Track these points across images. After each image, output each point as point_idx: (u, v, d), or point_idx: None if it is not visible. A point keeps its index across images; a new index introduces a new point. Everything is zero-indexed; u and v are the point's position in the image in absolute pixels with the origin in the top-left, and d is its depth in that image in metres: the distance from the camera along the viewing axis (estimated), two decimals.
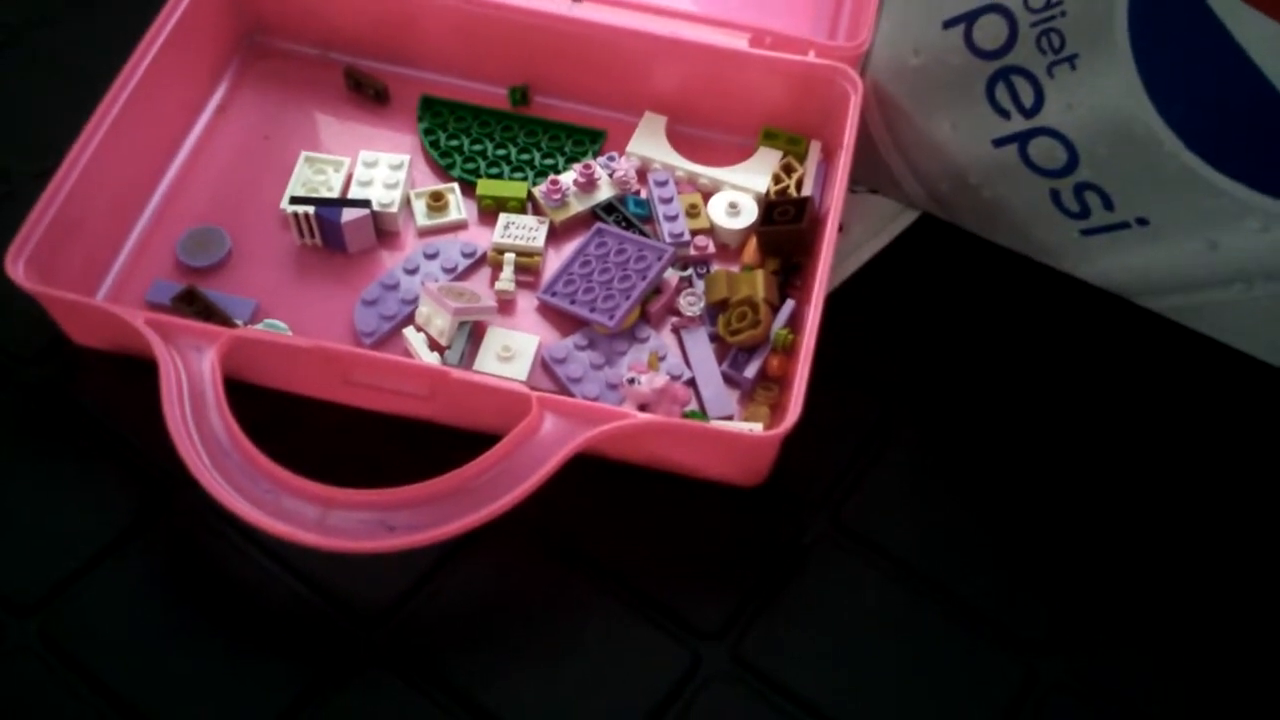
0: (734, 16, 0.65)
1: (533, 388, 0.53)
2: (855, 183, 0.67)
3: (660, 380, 0.55)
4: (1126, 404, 0.60)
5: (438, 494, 0.49)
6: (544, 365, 0.58)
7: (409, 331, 0.57)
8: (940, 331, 0.62)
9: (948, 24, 0.57)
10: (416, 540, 0.48)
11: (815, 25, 0.70)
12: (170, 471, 0.51)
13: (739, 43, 0.64)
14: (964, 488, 0.57)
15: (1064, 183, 0.59)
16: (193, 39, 0.64)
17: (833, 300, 0.58)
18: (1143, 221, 0.59)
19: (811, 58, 0.63)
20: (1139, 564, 0.54)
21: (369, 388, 0.55)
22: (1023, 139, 0.59)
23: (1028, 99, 0.57)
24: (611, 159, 0.65)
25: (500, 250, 0.61)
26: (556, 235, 0.63)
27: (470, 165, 0.65)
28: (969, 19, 0.56)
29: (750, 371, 0.57)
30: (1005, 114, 0.59)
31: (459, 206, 0.63)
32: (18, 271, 0.53)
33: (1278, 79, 0.50)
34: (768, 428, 0.54)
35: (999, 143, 0.60)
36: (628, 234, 0.61)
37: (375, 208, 0.61)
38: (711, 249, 0.62)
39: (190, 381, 0.51)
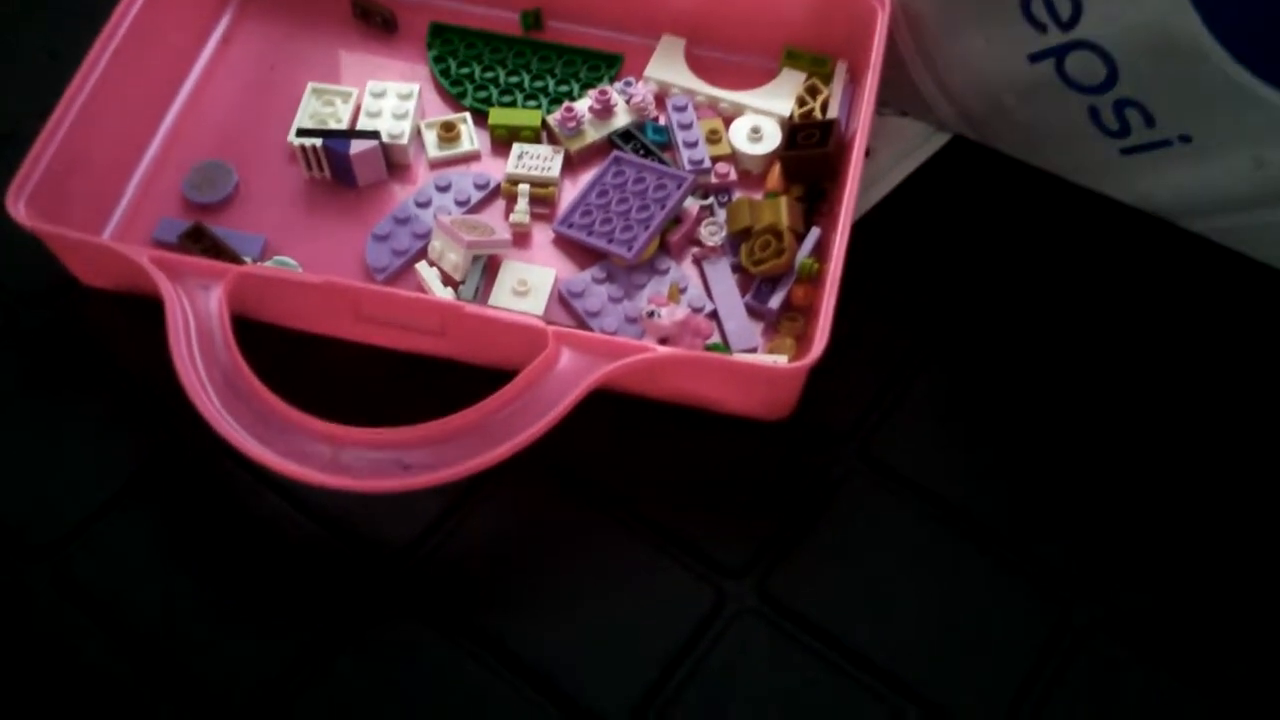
0: None
1: (549, 322, 0.52)
2: (883, 104, 0.64)
3: (681, 313, 0.54)
4: (1168, 334, 0.58)
5: (453, 431, 0.48)
6: (561, 299, 0.56)
7: (422, 266, 0.56)
8: (972, 259, 0.60)
9: None
10: (432, 479, 0.47)
11: None
12: (181, 413, 0.50)
13: None
14: (996, 420, 0.55)
15: (1103, 99, 0.57)
16: None
17: (860, 228, 0.56)
18: (1186, 139, 0.56)
19: None
20: (1175, 500, 0.53)
21: (381, 324, 0.53)
22: (1060, 53, 0.56)
23: (1065, 11, 0.55)
24: (628, 84, 0.62)
25: (514, 181, 0.59)
26: (572, 165, 0.61)
27: (482, 94, 0.63)
28: None
29: (775, 302, 0.55)
30: (1041, 27, 0.56)
31: (471, 137, 0.61)
32: (19, 210, 0.52)
33: None
34: (793, 360, 0.52)
35: (1035, 58, 0.57)
36: (646, 162, 0.59)
37: (384, 139, 0.59)
38: (733, 176, 0.60)
39: (198, 320, 0.49)
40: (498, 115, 0.61)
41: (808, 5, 0.62)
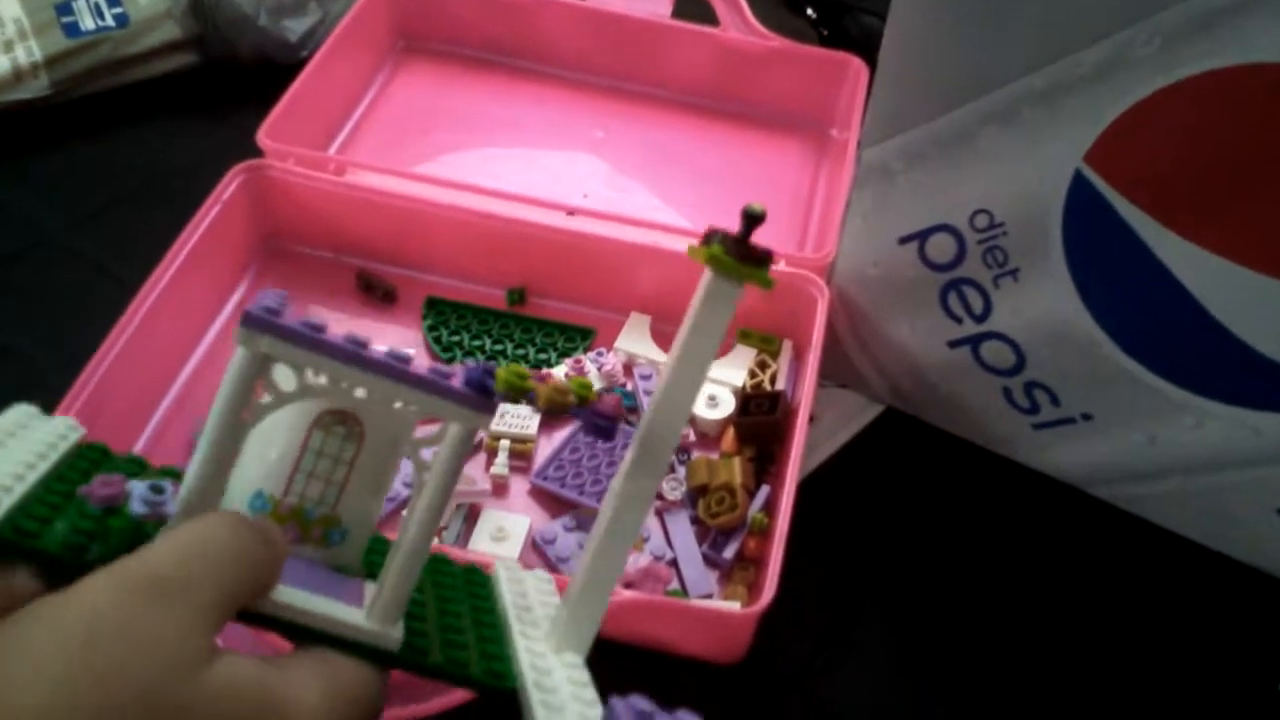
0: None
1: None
2: (824, 378, 0.72)
3: (644, 560, 0.59)
4: (1081, 586, 0.63)
5: None
6: (534, 545, 0.61)
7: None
8: (905, 515, 0.66)
9: (902, 240, 0.63)
10: (414, 712, 0.50)
11: (786, 238, 0.77)
12: None
13: None
14: (934, 666, 0.59)
15: (1014, 381, 0.64)
16: (220, 243, 0.69)
17: (804, 486, 0.61)
18: (1087, 417, 0.63)
19: (782, 266, 0.69)
20: None
21: None
22: (974, 341, 0.64)
23: (977, 306, 0.63)
24: (600, 354, 0.70)
25: (496, 437, 0.66)
26: (549, 424, 0.67)
27: (470, 359, 0.70)
28: (921, 237, 0.62)
29: (728, 553, 0.61)
30: (958, 319, 0.64)
31: None
32: None
33: (1199, 292, 0.55)
34: (745, 606, 0.57)
35: (953, 344, 0.65)
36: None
37: None
38: (692, 438, 0.67)
39: None
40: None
41: (758, 292, 0.69)
